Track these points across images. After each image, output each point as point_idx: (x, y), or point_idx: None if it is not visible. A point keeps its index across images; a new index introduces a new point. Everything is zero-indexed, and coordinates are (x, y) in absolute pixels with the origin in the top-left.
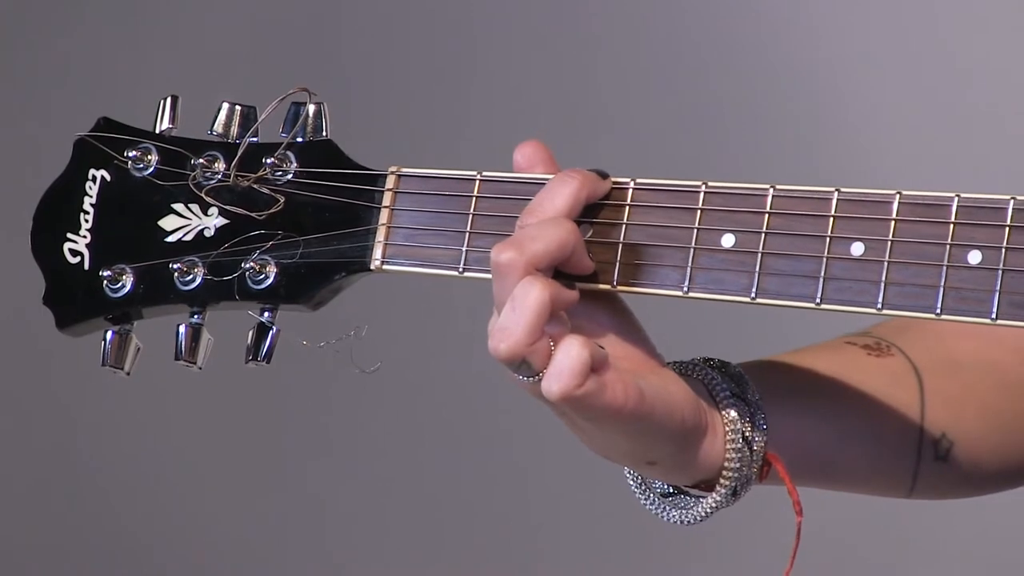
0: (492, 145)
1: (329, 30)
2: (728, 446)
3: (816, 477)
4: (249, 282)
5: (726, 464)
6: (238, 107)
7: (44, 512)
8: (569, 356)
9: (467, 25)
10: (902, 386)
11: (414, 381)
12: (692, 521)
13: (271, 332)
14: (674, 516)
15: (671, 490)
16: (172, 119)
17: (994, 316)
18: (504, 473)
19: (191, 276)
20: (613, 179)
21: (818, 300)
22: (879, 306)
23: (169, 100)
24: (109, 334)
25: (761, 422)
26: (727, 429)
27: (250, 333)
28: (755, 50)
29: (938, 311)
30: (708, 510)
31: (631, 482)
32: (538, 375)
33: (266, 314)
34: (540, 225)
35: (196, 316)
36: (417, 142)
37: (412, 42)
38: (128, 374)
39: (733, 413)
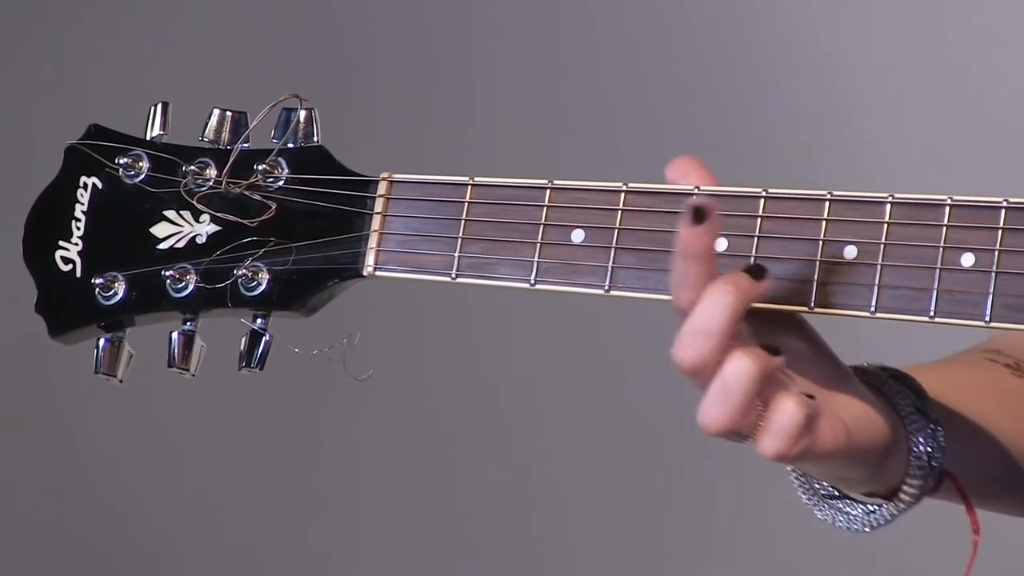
0: (484, 150)
1: (319, 35)
2: (912, 463)
3: (979, 495)
4: (242, 289)
5: (908, 481)
6: (229, 113)
7: (43, 516)
8: (785, 416)
9: (459, 29)
10: None
11: (407, 388)
12: (858, 530)
13: (264, 339)
14: (840, 521)
15: (837, 493)
16: (163, 126)
17: (987, 319)
18: (500, 479)
19: (183, 283)
20: (605, 183)
21: (811, 304)
22: (872, 309)
23: (160, 107)
24: (102, 341)
25: (941, 438)
26: (912, 447)
27: (243, 340)
28: (753, 51)
29: (931, 314)
30: (880, 521)
31: (794, 480)
32: (748, 437)
33: (259, 321)
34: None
35: (189, 323)
36: (408, 147)
37: (402, 47)
38: (121, 381)
39: (919, 431)
